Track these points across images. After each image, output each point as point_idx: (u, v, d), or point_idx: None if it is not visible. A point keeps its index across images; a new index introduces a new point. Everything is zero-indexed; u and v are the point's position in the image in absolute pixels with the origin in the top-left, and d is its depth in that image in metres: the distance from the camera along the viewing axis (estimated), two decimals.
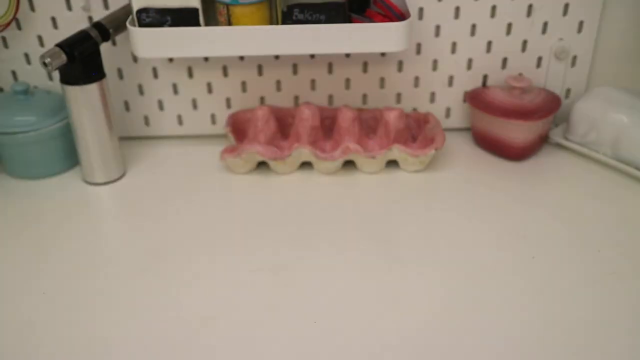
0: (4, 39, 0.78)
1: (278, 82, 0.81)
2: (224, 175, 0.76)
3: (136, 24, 0.67)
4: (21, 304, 0.57)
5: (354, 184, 0.74)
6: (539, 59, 0.80)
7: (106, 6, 0.76)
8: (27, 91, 0.75)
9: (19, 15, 0.76)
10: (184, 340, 0.52)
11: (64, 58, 0.66)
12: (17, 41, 0.78)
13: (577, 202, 0.70)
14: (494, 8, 0.76)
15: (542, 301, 0.56)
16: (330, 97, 0.83)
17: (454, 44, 0.79)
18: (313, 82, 0.82)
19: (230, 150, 0.76)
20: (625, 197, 0.70)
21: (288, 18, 0.66)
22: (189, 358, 0.51)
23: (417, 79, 0.81)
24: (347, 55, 0.80)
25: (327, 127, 0.79)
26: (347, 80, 0.82)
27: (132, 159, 0.79)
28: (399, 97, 0.83)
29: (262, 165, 0.76)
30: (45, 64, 0.65)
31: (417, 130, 0.80)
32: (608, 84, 0.78)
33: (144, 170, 0.78)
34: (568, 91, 0.83)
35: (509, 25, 0.78)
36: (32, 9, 0.76)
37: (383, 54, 0.80)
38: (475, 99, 0.78)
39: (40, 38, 0.78)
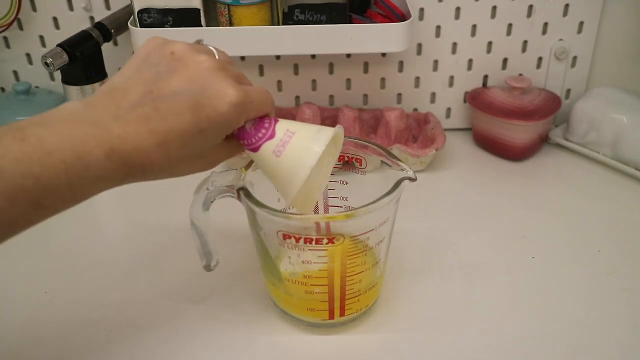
0: (5, 39, 0.78)
1: (279, 82, 0.82)
2: None
3: (137, 24, 0.67)
4: (21, 304, 0.57)
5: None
6: (539, 60, 0.80)
7: (108, 6, 0.76)
8: (28, 91, 0.76)
9: (20, 16, 0.76)
10: (185, 336, 0.52)
11: (65, 58, 0.66)
12: (18, 41, 0.78)
13: (577, 202, 0.70)
14: (494, 9, 0.77)
15: (541, 301, 0.56)
16: (331, 97, 0.83)
17: (454, 45, 0.79)
18: (314, 82, 0.82)
19: None
20: (625, 197, 0.70)
21: (289, 18, 0.66)
22: (190, 351, 0.51)
23: (417, 79, 0.82)
24: (348, 55, 0.80)
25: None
26: (348, 81, 0.82)
27: None
28: (399, 97, 0.83)
29: None
30: (47, 64, 0.65)
31: (418, 131, 0.80)
32: (608, 84, 0.78)
33: None
34: (568, 91, 0.83)
35: (509, 26, 0.78)
36: (34, 9, 0.76)
37: (384, 55, 0.80)
38: (476, 99, 0.78)
39: (41, 38, 0.78)
